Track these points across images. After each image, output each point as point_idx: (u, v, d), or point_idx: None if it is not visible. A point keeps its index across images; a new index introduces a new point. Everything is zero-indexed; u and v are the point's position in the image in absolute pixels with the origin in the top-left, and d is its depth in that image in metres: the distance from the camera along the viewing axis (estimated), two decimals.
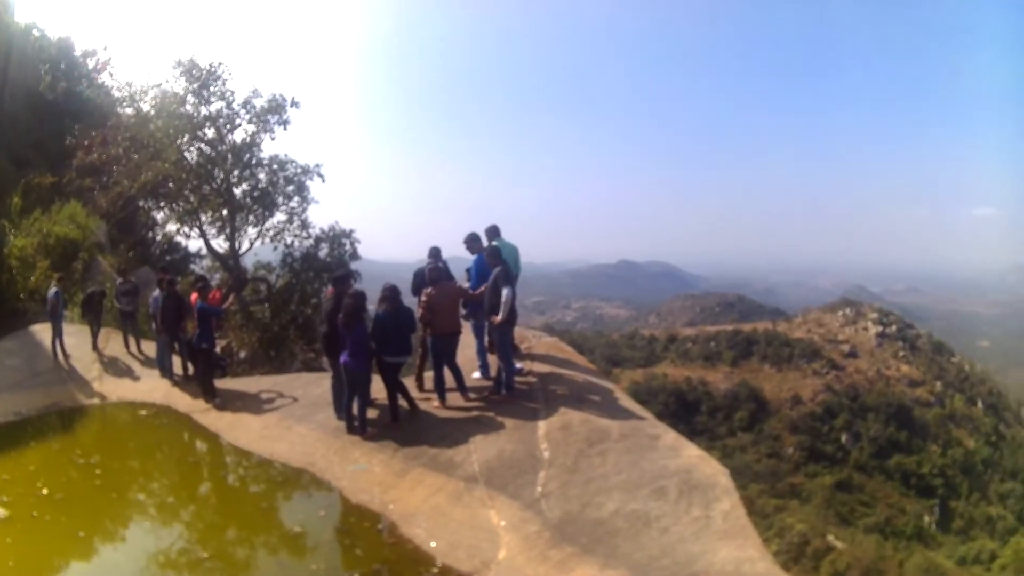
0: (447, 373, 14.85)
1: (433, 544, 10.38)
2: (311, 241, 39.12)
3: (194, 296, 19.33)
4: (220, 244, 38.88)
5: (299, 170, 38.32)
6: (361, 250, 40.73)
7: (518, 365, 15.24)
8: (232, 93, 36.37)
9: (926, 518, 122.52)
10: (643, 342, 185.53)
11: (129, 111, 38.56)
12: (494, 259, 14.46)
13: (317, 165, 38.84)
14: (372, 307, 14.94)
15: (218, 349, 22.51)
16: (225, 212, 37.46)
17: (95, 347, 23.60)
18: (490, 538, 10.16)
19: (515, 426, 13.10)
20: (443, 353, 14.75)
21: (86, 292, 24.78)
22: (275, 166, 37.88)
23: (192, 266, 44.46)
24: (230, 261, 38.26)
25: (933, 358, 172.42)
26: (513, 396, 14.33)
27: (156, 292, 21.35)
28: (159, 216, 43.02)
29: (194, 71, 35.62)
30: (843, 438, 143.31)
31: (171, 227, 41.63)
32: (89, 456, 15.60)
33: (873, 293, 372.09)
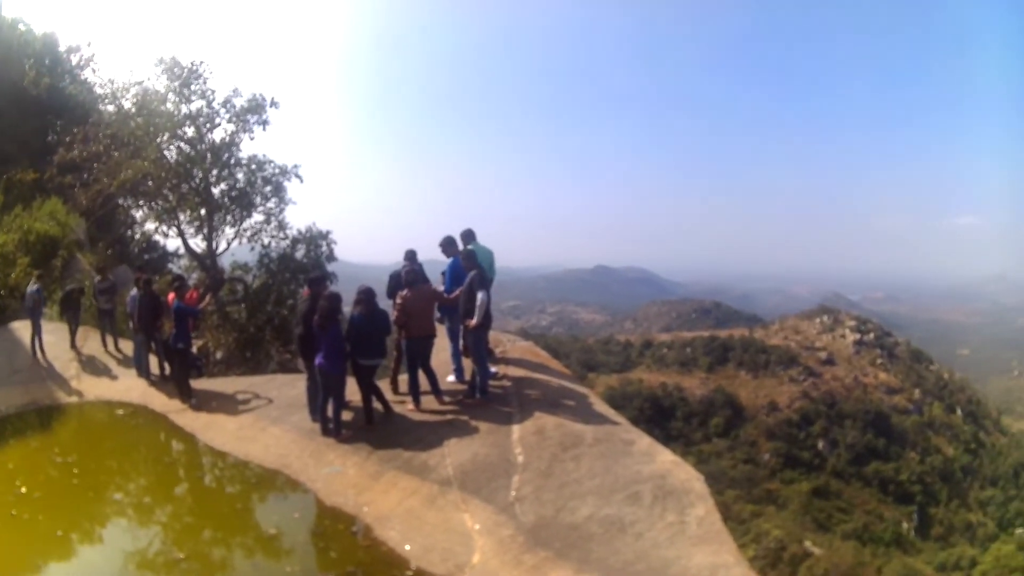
0: (422, 376, 14.83)
1: (407, 547, 10.36)
2: (288, 242, 39.00)
3: (171, 296, 19.30)
4: (198, 244, 38.81)
5: (277, 170, 38.25)
6: (338, 252, 40.65)
7: (492, 369, 15.24)
8: (213, 92, 36.34)
9: (904, 524, 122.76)
10: (619, 347, 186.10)
11: (111, 108, 38.49)
12: (469, 263, 14.48)
13: (295, 166, 38.78)
14: (348, 309, 14.92)
15: (194, 349, 22.47)
16: (203, 212, 37.39)
17: (73, 345, 23.55)
18: (464, 541, 10.14)
19: (489, 430, 13.10)
20: (417, 356, 14.75)
21: (65, 290, 24.72)
22: (253, 166, 37.83)
23: (170, 265, 44.40)
24: (207, 261, 38.18)
25: (911, 366, 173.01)
26: (487, 400, 14.32)
27: (134, 291, 21.25)
28: (138, 215, 42.99)
29: (175, 69, 35.51)
30: (820, 445, 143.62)
31: (149, 226, 41.54)
32: (67, 455, 15.57)
33: (851, 301, 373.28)
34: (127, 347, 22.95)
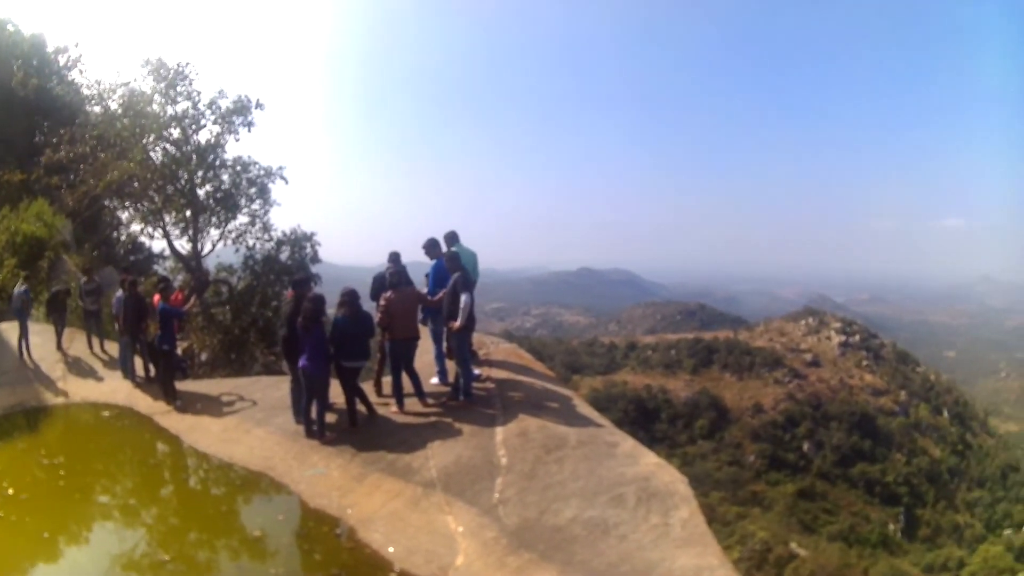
0: (405, 378, 14.85)
1: (391, 549, 10.37)
2: (272, 244, 38.92)
3: (156, 297, 19.29)
4: (183, 245, 38.74)
5: (262, 172, 38.17)
6: (322, 253, 40.54)
7: (476, 371, 15.24)
8: (198, 93, 36.25)
9: (891, 526, 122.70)
10: (603, 349, 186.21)
11: (97, 109, 38.52)
12: (453, 265, 14.49)
13: (280, 167, 38.66)
14: (332, 311, 14.94)
15: (179, 351, 22.48)
16: (188, 213, 37.29)
17: (59, 346, 23.57)
18: (448, 544, 10.15)
19: (473, 432, 13.12)
20: (401, 358, 14.76)
21: (51, 291, 24.73)
22: (238, 167, 37.76)
23: (155, 267, 44.35)
24: (192, 263, 38.10)
25: (897, 368, 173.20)
26: (471, 402, 14.34)
27: (119, 292, 21.23)
28: (124, 216, 42.92)
29: (162, 70, 35.44)
30: (805, 446, 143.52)
31: (135, 227, 41.49)
32: (54, 457, 15.61)
33: (837, 303, 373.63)
34: (113, 348, 22.97)
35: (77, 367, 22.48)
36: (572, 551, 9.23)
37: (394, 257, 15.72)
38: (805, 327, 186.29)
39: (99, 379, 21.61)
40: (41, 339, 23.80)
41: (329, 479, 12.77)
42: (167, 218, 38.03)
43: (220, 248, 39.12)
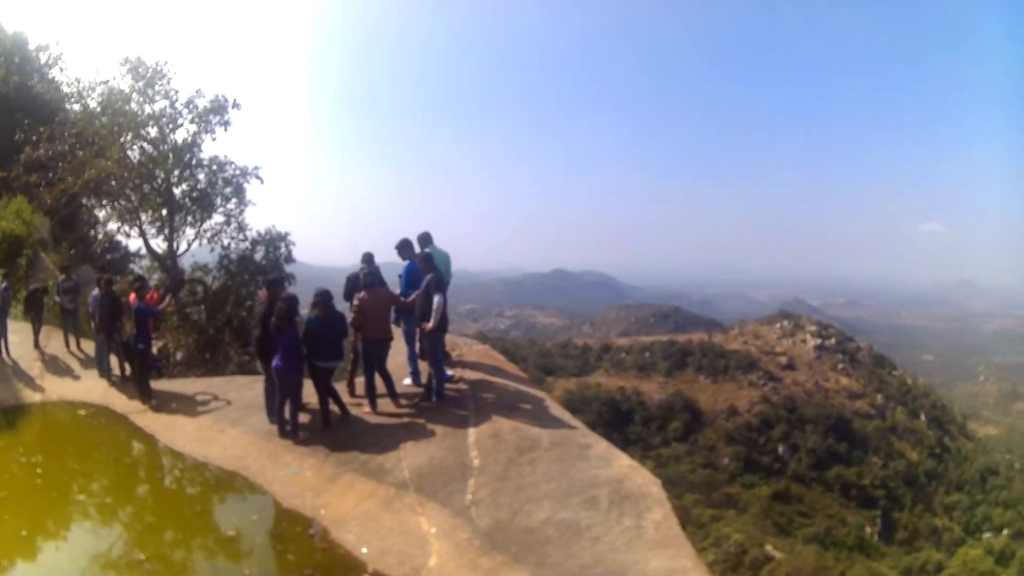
0: (378, 379, 14.88)
1: (364, 550, 10.40)
2: (247, 243, 38.84)
3: (132, 296, 19.29)
4: (159, 244, 38.62)
5: (237, 172, 38.11)
6: (297, 254, 40.47)
7: (449, 372, 15.27)
8: (176, 92, 36.19)
9: (868, 529, 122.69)
10: (577, 351, 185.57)
11: (77, 107, 38.44)
12: (426, 266, 14.52)
13: (255, 167, 38.60)
14: (306, 311, 14.95)
15: (154, 350, 22.46)
16: (164, 212, 37.22)
17: (37, 345, 23.63)
18: (421, 545, 10.18)
19: (445, 433, 13.16)
20: (374, 359, 14.79)
21: (29, 289, 24.72)
22: (214, 167, 37.68)
23: (132, 266, 44.20)
24: (168, 262, 38.01)
25: (873, 371, 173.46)
26: (444, 403, 14.37)
27: (96, 291, 21.23)
28: (101, 214, 42.81)
29: (140, 69, 35.38)
30: (780, 449, 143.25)
31: (112, 226, 41.33)
32: (31, 455, 15.68)
33: (812, 306, 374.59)
34: (89, 347, 22.94)
35: (54, 365, 22.54)
36: (545, 553, 9.24)
37: (367, 258, 15.75)
38: (780, 330, 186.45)
39: (76, 377, 21.66)
40: (19, 337, 23.88)
41: (302, 479, 12.80)
42: (143, 217, 37.96)
43: (195, 247, 39.09)
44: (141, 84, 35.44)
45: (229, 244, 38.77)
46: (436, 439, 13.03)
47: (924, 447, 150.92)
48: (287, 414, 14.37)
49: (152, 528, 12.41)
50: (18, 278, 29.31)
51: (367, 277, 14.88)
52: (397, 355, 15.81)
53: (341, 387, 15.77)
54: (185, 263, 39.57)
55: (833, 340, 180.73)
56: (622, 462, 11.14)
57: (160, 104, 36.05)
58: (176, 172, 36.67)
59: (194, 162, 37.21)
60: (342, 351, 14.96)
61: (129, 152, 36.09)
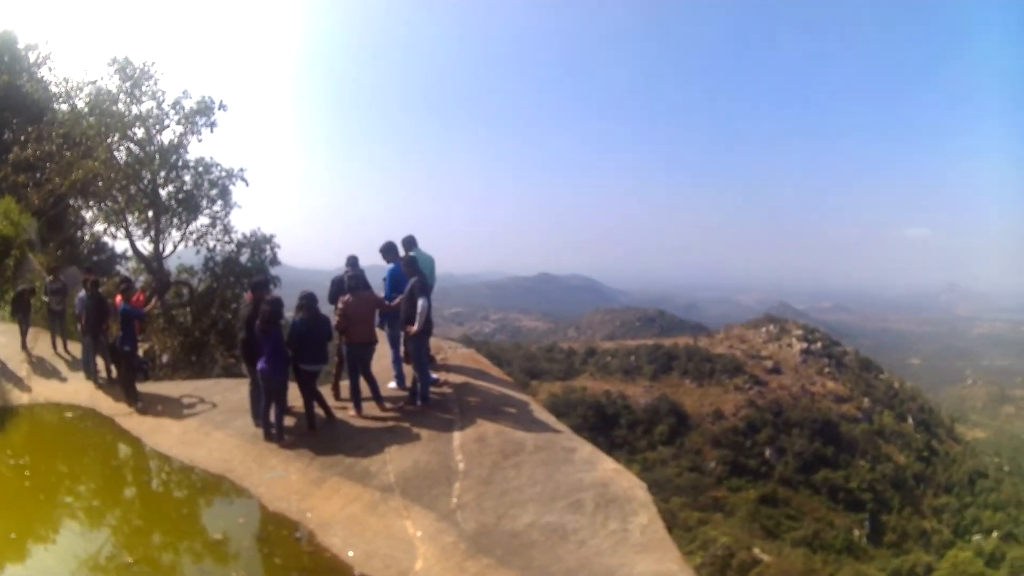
0: (363, 382, 14.86)
1: (350, 553, 10.41)
2: (233, 246, 38.77)
3: (118, 298, 19.27)
4: (145, 246, 38.42)
5: (223, 174, 38.01)
6: (282, 256, 40.39)
7: (433, 375, 15.26)
8: (163, 93, 36.06)
9: (856, 532, 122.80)
10: (562, 355, 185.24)
11: (64, 107, 38.27)
12: (410, 269, 14.54)
13: (241, 169, 38.52)
14: (291, 314, 14.96)
15: (141, 352, 22.43)
16: (150, 214, 37.13)
17: (24, 346, 23.55)
18: (406, 548, 10.20)
19: (430, 437, 13.17)
20: (359, 362, 14.78)
21: (16, 290, 24.68)
22: (200, 169, 37.59)
23: (118, 267, 44.11)
24: (154, 263, 37.93)
25: (860, 375, 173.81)
26: (428, 407, 14.38)
27: (82, 292, 21.21)
28: (87, 215, 42.71)
29: (128, 69, 35.25)
30: (767, 453, 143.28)
31: (99, 227, 41.23)
32: (19, 457, 15.71)
33: (798, 310, 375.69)
34: (76, 349, 22.91)
35: (41, 367, 22.52)
36: (530, 556, 9.27)
37: (352, 261, 15.71)
38: (766, 334, 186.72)
39: (62, 379, 21.65)
40: (6, 339, 23.91)
41: (288, 482, 12.81)
42: (130, 218, 37.81)
43: (181, 249, 38.93)
44: (128, 85, 35.32)
45: (215, 246, 38.70)
46: (421, 443, 13.04)
47: (912, 450, 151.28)
48: (272, 417, 14.35)
49: (139, 531, 12.41)
50: (6, 279, 29.33)
51: (351, 280, 14.86)
52: (382, 358, 15.81)
53: (326, 390, 15.72)
54: (171, 265, 39.47)
55: (819, 344, 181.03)
56: (607, 466, 11.17)
57: (147, 105, 35.97)
58: (162, 173, 36.55)
59: (180, 163, 37.12)
60: (327, 354, 14.93)
61: (116, 153, 35.99)
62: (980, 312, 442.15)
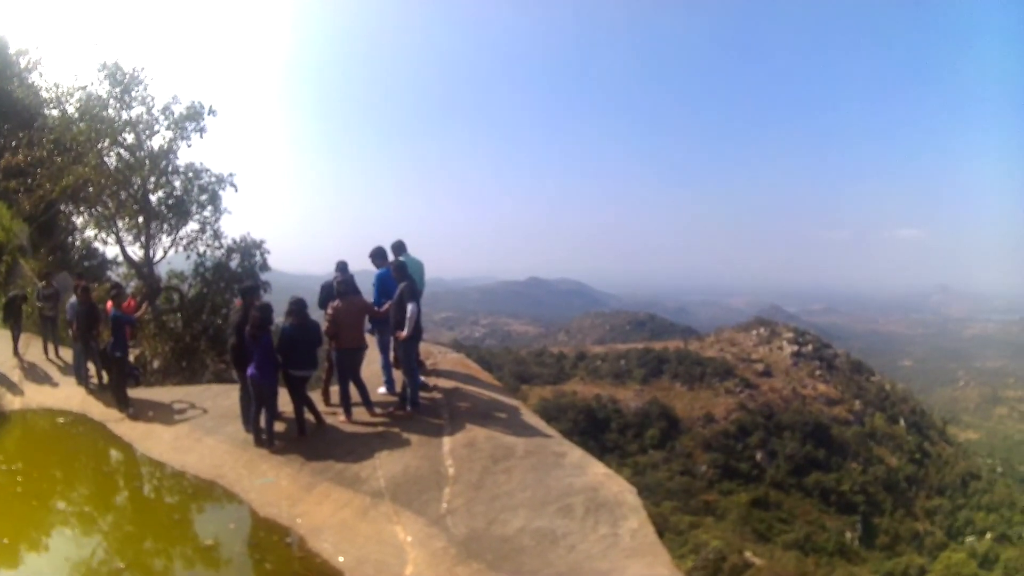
0: (353, 388, 14.89)
1: (341, 559, 10.41)
2: (223, 251, 38.52)
3: (109, 304, 19.29)
4: (135, 251, 38.22)
5: (213, 179, 37.91)
6: (272, 261, 40.24)
7: (422, 379, 15.30)
8: (153, 99, 35.89)
9: (848, 534, 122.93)
10: (552, 359, 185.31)
11: (55, 112, 38.28)
12: (400, 274, 14.56)
13: (230, 174, 38.40)
14: (281, 319, 14.97)
15: (132, 358, 22.43)
16: (141, 219, 36.97)
17: (16, 352, 23.57)
18: (397, 553, 10.20)
19: (420, 442, 13.20)
20: (348, 368, 14.80)
21: (8, 296, 24.66)
22: (190, 174, 37.44)
23: (109, 273, 44.04)
24: (145, 269, 37.86)
25: (851, 377, 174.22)
26: (418, 412, 14.42)
27: (73, 298, 21.21)
28: (78, 221, 42.64)
29: (118, 74, 35.14)
30: (758, 456, 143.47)
31: (89, 232, 41.15)
32: (12, 463, 15.65)
33: (789, 313, 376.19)
34: (68, 354, 22.98)
35: (33, 373, 22.57)
36: (521, 561, 9.27)
37: (342, 266, 15.73)
38: (756, 337, 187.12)
39: (54, 385, 21.74)
40: None
41: (279, 488, 12.82)
42: (120, 224, 37.67)
43: (171, 255, 38.78)
44: (118, 90, 35.17)
45: (204, 252, 38.43)
46: (411, 448, 13.06)
47: (904, 452, 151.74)
48: (263, 423, 14.37)
49: (131, 536, 12.42)
50: None
51: (341, 286, 14.92)
52: (371, 364, 15.83)
53: (316, 396, 15.76)
54: (161, 270, 39.38)
55: (810, 347, 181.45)
56: (597, 470, 11.19)
57: (137, 110, 35.81)
58: (152, 179, 36.44)
59: (170, 169, 37.02)
60: (317, 360, 14.93)
61: (106, 158, 35.84)
62: (972, 313, 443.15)
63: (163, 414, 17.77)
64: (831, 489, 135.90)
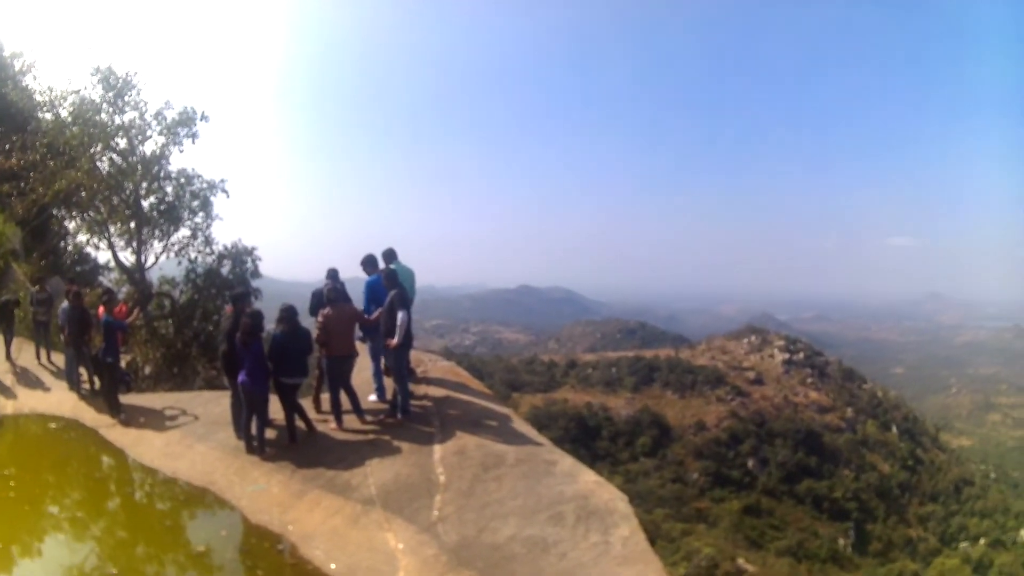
0: (343, 395, 14.90)
1: (332, 566, 10.40)
2: (214, 257, 38.63)
3: (100, 309, 19.28)
4: (127, 257, 38.36)
5: (205, 185, 38.00)
6: (263, 268, 40.24)
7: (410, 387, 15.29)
8: (145, 103, 35.99)
9: (841, 541, 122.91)
10: (543, 367, 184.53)
11: (48, 116, 38.20)
12: (390, 282, 14.56)
13: (222, 181, 38.56)
14: (272, 326, 14.97)
15: (123, 364, 22.43)
16: (133, 225, 37.01)
17: (8, 357, 23.61)
18: (388, 561, 10.17)
19: (411, 450, 13.19)
20: (339, 375, 14.82)
21: (0, 300, 24.63)
22: (182, 180, 37.56)
23: (100, 278, 44.00)
24: (136, 275, 37.85)
25: (843, 385, 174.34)
26: (409, 420, 14.41)
27: (65, 303, 21.21)
28: (71, 226, 42.61)
29: (111, 79, 35.14)
30: (750, 463, 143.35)
31: (81, 237, 41.16)
32: (3, 467, 15.70)
33: (780, 321, 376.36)
34: (60, 359, 22.96)
35: (25, 378, 22.63)
36: (511, 569, 9.26)
37: (332, 273, 15.75)
38: (748, 345, 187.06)
39: (46, 390, 21.74)
40: None
41: (270, 495, 12.81)
42: (112, 229, 37.73)
43: (163, 261, 38.84)
44: (111, 94, 35.18)
45: (196, 258, 38.59)
46: (402, 456, 13.06)
47: (896, 459, 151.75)
48: (254, 430, 14.37)
49: (123, 543, 12.41)
50: None
51: (331, 293, 14.90)
52: (362, 371, 15.84)
53: (307, 403, 15.78)
54: (153, 276, 39.36)
55: (801, 354, 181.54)
56: (588, 478, 11.18)
57: (129, 115, 35.87)
58: (144, 184, 36.46)
59: (162, 174, 37.07)
60: (307, 367, 14.93)
61: (99, 163, 35.85)
62: (963, 320, 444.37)
63: (154, 420, 17.79)
64: (823, 496, 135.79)
